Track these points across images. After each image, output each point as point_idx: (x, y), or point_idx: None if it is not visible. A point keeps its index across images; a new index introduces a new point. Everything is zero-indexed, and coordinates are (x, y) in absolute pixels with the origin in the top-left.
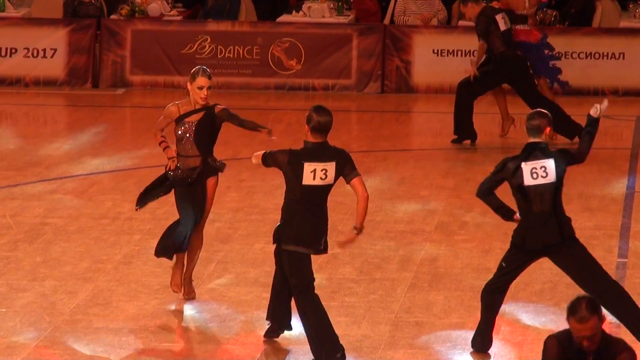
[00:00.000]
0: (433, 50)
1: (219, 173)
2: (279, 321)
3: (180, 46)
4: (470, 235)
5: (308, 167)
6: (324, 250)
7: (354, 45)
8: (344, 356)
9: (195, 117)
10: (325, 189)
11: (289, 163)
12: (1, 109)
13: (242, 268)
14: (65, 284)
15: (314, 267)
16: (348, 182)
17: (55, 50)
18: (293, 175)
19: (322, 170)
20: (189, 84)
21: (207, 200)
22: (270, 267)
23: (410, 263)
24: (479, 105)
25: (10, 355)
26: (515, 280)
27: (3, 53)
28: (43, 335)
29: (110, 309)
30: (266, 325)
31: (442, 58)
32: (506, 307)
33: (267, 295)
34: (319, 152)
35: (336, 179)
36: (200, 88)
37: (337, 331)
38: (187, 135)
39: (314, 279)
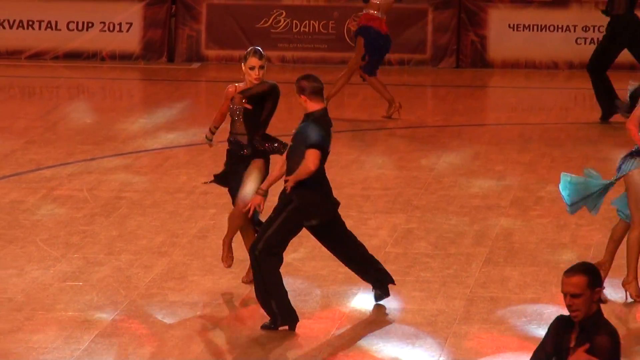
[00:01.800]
0: (509, 24)
1: (269, 155)
2: (380, 281)
3: (256, 20)
4: (545, 211)
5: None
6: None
7: (429, 20)
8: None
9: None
10: None
11: (327, 136)
12: (78, 83)
13: (317, 242)
14: (140, 258)
15: (390, 240)
16: None
17: (131, 24)
18: (327, 147)
19: None
20: (242, 65)
21: (245, 180)
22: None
23: (485, 238)
24: (554, 80)
25: (87, 329)
26: (589, 255)
27: (80, 27)
28: (119, 309)
29: (185, 283)
30: (341, 299)
31: (517, 32)
32: None
33: (343, 269)
34: (328, 118)
35: None
36: (252, 68)
37: (412, 306)
38: (237, 113)
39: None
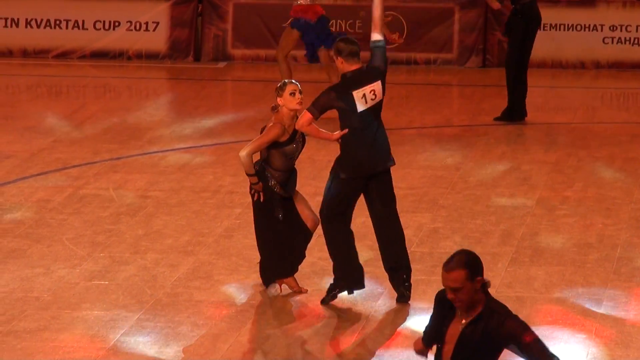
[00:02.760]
0: None
1: None
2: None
3: (282, 19)
4: (571, 210)
5: (357, 94)
6: (393, 162)
7: (455, 19)
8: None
9: None
10: (378, 105)
11: (337, 98)
12: (104, 82)
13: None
14: (166, 257)
15: (415, 239)
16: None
17: (158, 23)
18: (347, 107)
19: (370, 92)
20: (278, 97)
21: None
22: (371, 241)
23: (511, 238)
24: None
25: (113, 327)
26: (616, 255)
27: (106, 26)
28: (145, 308)
29: (211, 282)
30: (367, 298)
31: (544, 32)
32: (609, 282)
33: (369, 268)
34: (360, 77)
35: (384, 92)
36: (293, 94)
37: None
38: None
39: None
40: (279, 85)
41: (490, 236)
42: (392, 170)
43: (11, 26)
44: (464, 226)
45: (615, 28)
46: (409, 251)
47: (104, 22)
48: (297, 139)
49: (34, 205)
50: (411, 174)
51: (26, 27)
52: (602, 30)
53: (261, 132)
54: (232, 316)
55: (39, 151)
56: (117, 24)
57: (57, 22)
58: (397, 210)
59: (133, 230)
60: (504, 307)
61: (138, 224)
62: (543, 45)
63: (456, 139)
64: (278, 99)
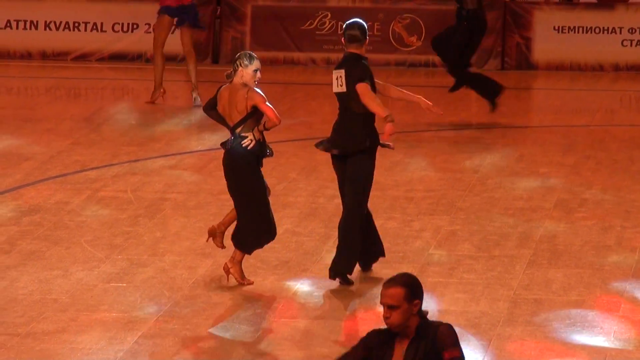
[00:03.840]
0: (554, 26)
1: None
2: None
3: (300, 22)
4: (590, 213)
5: (334, 74)
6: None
7: None
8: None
9: None
10: (344, 96)
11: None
12: (123, 85)
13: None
14: (184, 259)
15: (433, 241)
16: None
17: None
18: None
19: (337, 78)
20: (242, 69)
21: None
22: (389, 243)
23: (529, 240)
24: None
25: (132, 329)
26: (634, 257)
27: (125, 29)
28: (163, 310)
29: (229, 285)
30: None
31: (563, 35)
32: (627, 285)
33: (385, 271)
34: (341, 61)
35: (348, 86)
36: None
37: (455, 307)
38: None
39: None
40: (245, 54)
41: (508, 239)
42: (410, 172)
43: (30, 28)
44: (482, 229)
45: (634, 31)
46: (426, 253)
47: (122, 24)
48: None
49: (52, 207)
50: (429, 176)
51: (45, 29)
52: (620, 32)
53: (249, 108)
54: (249, 318)
55: (58, 153)
56: (135, 26)
57: (76, 24)
58: (416, 211)
59: (151, 232)
60: (439, 321)
61: (156, 226)
62: (562, 48)
63: (474, 141)
64: (240, 69)
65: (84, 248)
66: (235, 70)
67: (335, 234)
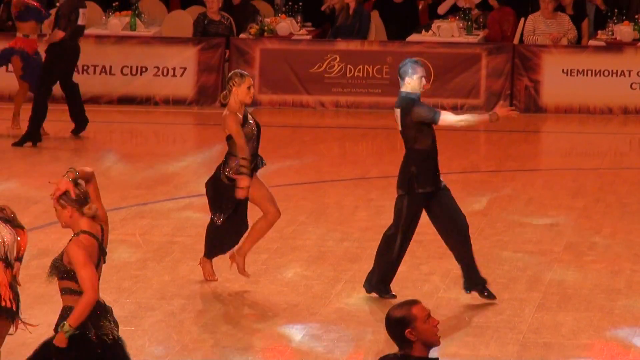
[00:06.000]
0: (562, 69)
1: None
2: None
3: (309, 65)
4: (599, 256)
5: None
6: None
7: (482, 65)
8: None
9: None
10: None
11: None
12: (131, 127)
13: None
14: (193, 303)
15: (442, 285)
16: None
17: (185, 69)
18: None
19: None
20: (235, 88)
21: None
22: (399, 287)
23: (538, 283)
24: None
25: None
26: None
27: (134, 71)
28: (171, 353)
29: (237, 328)
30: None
31: (571, 78)
32: (637, 329)
33: None
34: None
35: (401, 125)
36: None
37: (465, 351)
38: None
39: None
40: (236, 73)
41: (517, 282)
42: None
43: None
44: (491, 272)
45: None
46: (435, 296)
47: (131, 67)
48: (248, 120)
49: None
50: None
51: None
52: (629, 75)
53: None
54: None
55: None
56: (144, 69)
57: (85, 67)
58: (425, 254)
59: (159, 275)
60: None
61: (164, 270)
62: (570, 91)
63: (483, 184)
64: (234, 88)
65: None
66: (229, 91)
67: (344, 277)
